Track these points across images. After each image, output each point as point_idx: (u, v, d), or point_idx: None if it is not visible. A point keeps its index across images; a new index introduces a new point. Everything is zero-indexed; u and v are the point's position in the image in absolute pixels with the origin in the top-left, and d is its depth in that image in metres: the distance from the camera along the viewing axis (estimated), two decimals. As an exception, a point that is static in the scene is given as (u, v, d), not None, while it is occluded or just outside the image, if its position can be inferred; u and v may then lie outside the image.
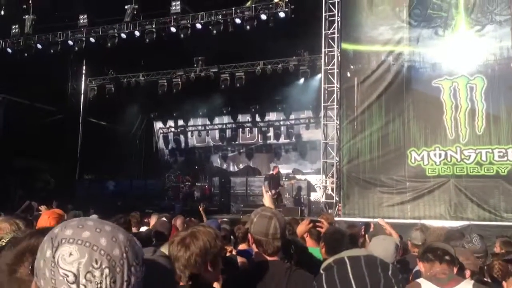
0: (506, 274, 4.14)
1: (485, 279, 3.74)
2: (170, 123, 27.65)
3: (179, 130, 27.50)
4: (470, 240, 3.36)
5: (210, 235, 2.23)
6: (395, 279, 1.11)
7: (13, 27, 18.47)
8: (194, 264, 2.16)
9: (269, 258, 2.57)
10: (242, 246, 5.56)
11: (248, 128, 26.08)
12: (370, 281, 1.09)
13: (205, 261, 2.18)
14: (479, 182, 11.45)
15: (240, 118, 26.04)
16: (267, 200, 3.64)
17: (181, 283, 2.07)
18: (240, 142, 26.50)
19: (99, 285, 0.95)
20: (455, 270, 3.10)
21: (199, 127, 27.09)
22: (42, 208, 6.49)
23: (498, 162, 11.35)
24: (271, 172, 19.94)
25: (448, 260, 3.08)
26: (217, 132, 26.72)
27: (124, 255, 1.00)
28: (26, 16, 18.30)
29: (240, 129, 26.27)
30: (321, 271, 1.18)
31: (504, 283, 3.73)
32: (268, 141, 25.68)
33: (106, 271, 0.96)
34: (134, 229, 5.97)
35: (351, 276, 1.10)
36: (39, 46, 18.69)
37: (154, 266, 1.68)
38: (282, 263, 2.66)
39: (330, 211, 12.77)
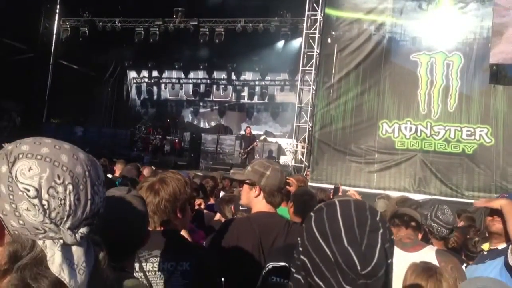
0: (462, 244, 4.30)
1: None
2: (144, 73, 27.07)
3: (152, 81, 26.97)
4: (442, 211, 3.45)
5: (179, 182, 2.20)
6: (381, 223, 1.13)
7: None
8: (163, 210, 2.13)
9: (270, 211, 2.65)
10: (211, 201, 5.59)
11: (223, 86, 25.80)
12: (356, 221, 1.11)
13: (174, 207, 2.16)
14: (445, 158, 11.74)
15: (216, 74, 25.71)
16: None
17: (149, 229, 2.04)
18: (214, 99, 26.26)
19: (62, 201, 0.90)
20: (420, 236, 3.20)
21: (173, 80, 26.63)
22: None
23: (465, 141, 11.63)
24: (242, 132, 20.00)
25: (414, 226, 3.18)
26: (191, 86, 26.33)
27: (87, 173, 0.95)
28: None
29: (215, 86, 25.97)
30: (311, 213, 1.19)
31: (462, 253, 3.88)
32: (242, 101, 25.54)
33: (70, 187, 0.91)
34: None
35: (339, 216, 1.13)
36: (11, -21, 17.76)
37: (128, 205, 1.64)
38: (281, 217, 2.71)
39: (298, 174, 12.91)
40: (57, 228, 0.90)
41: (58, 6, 22.19)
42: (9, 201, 0.89)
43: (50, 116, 22.46)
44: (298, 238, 1.19)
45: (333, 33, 13.43)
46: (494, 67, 11.51)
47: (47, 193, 0.89)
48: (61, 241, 0.90)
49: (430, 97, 11.98)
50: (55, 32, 22.40)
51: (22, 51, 20.18)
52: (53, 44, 22.49)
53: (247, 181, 2.68)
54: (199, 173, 7.49)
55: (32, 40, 20.80)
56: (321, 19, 13.87)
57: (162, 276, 2.01)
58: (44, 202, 0.89)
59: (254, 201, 2.67)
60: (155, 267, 2.03)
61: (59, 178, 0.90)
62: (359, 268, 1.05)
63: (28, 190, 0.88)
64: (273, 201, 2.64)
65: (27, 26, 19.75)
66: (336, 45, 13.15)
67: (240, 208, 3.77)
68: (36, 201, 0.88)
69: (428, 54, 12.12)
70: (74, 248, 0.92)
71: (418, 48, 12.31)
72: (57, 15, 22.27)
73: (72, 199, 0.91)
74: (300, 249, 1.16)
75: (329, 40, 13.44)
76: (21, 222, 0.89)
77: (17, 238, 0.90)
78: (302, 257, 1.15)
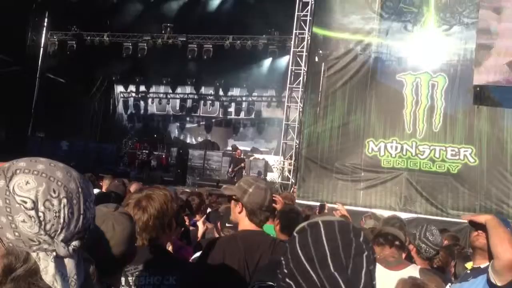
0: (447, 263, 4.34)
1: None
2: (132, 88, 27.05)
3: (139, 95, 26.96)
4: (431, 232, 3.50)
5: (165, 197, 2.21)
6: (365, 245, 1.14)
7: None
8: (152, 226, 2.13)
9: (256, 229, 2.64)
10: (196, 218, 5.56)
11: (210, 101, 25.90)
12: (342, 244, 1.11)
13: (162, 223, 2.16)
14: (430, 177, 11.85)
15: (203, 90, 25.79)
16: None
17: (136, 244, 2.03)
18: (201, 114, 26.30)
19: (57, 214, 0.94)
20: (403, 255, 3.22)
21: (161, 95, 26.66)
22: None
23: (450, 160, 11.77)
24: (229, 148, 20.03)
25: (398, 245, 3.21)
26: (178, 101, 26.35)
27: (80, 189, 0.99)
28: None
29: (202, 101, 26.05)
30: (295, 234, 1.19)
31: (449, 269, 3.92)
32: (229, 116, 25.62)
33: (64, 201, 0.95)
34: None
35: (324, 238, 1.12)
36: (-1, -9, 17.70)
37: (117, 222, 1.64)
38: (267, 235, 2.70)
39: (285, 192, 12.92)
40: (51, 240, 0.93)
41: (46, 19, 22.16)
42: (6, 213, 0.92)
43: (35, 130, 22.25)
44: (282, 259, 1.19)
45: (320, 52, 13.59)
46: (478, 88, 11.73)
47: (43, 206, 0.93)
48: (54, 253, 0.93)
49: (416, 117, 12.13)
50: (42, 45, 22.33)
51: (8, 64, 20.01)
52: (40, 57, 22.40)
53: (234, 197, 2.70)
54: (187, 189, 7.46)
55: (19, 53, 20.67)
56: (309, 37, 14.05)
57: None
58: (40, 214, 0.92)
59: (239, 217, 2.68)
60: (141, 281, 2.02)
61: (54, 192, 0.94)
62: None
63: (25, 202, 0.92)
64: (255, 219, 2.63)
65: (14, 38, 19.65)
66: (323, 64, 13.30)
67: (227, 224, 3.78)
68: (32, 212, 0.92)
69: (413, 74, 12.32)
70: (66, 260, 0.95)
71: (404, 68, 12.51)
72: (44, 28, 22.23)
73: (66, 212, 0.95)
74: (285, 271, 1.16)
75: (316, 59, 13.59)
76: (16, 234, 0.92)
77: (12, 251, 0.92)
78: (287, 280, 1.15)
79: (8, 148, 15.67)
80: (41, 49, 22.36)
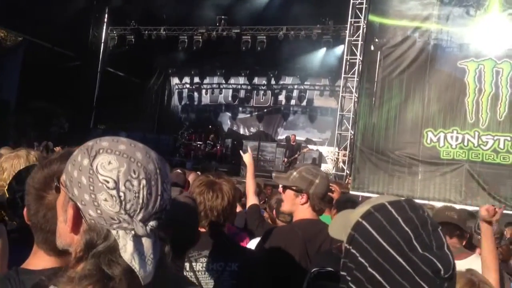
0: (509, 256, 4.18)
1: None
2: (186, 79, 27.51)
3: (194, 87, 27.35)
4: None
5: (234, 185, 2.26)
6: (434, 219, 1.11)
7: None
8: (229, 211, 2.19)
9: (315, 218, 2.66)
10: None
11: (262, 91, 25.81)
12: (419, 222, 1.07)
13: (234, 208, 2.22)
14: (493, 169, 11.33)
15: (256, 81, 25.75)
16: (248, 159, 3.71)
17: (203, 229, 2.08)
18: (254, 105, 26.32)
19: (136, 194, 0.97)
20: (464, 242, 3.20)
21: (214, 86, 26.90)
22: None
23: (516, 152, 11.21)
24: (280, 137, 19.99)
25: (458, 235, 3.17)
26: (230, 91, 26.45)
27: (158, 170, 1.01)
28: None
29: (255, 91, 25.98)
30: (359, 219, 1.11)
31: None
32: (279, 105, 25.48)
33: (143, 182, 0.98)
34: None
35: (399, 219, 1.07)
36: (63, -11, 18.51)
37: (181, 205, 1.69)
38: (326, 224, 2.71)
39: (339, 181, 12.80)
40: (130, 219, 0.96)
41: (106, 16, 23.01)
42: (89, 191, 0.96)
43: (97, 122, 23.20)
44: (350, 247, 1.11)
45: (376, 40, 13.26)
46: (547, 75, 11.08)
47: (124, 186, 0.96)
48: (133, 232, 0.96)
49: (479, 105, 11.60)
50: (103, 40, 23.21)
51: (72, 59, 20.99)
52: (101, 52, 23.30)
53: (293, 188, 2.67)
54: (244, 180, 7.53)
55: (81, 49, 21.62)
56: (364, 26, 13.75)
57: (211, 275, 2.05)
58: (121, 194, 0.96)
59: (299, 208, 2.64)
60: (205, 267, 2.07)
61: (134, 173, 0.97)
62: (442, 272, 1.02)
63: (108, 182, 0.96)
64: (320, 208, 2.63)
65: (77, 35, 20.55)
66: (379, 52, 12.98)
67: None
68: (114, 192, 0.95)
69: (476, 61, 11.77)
70: (143, 239, 0.97)
71: (466, 54, 11.98)
72: (105, 24, 23.09)
73: (145, 193, 0.97)
74: (362, 261, 1.08)
75: (372, 47, 13.28)
76: (98, 211, 0.96)
77: (94, 227, 0.97)
78: (370, 270, 1.07)
79: (72, 139, 16.41)
80: (102, 44, 23.26)
